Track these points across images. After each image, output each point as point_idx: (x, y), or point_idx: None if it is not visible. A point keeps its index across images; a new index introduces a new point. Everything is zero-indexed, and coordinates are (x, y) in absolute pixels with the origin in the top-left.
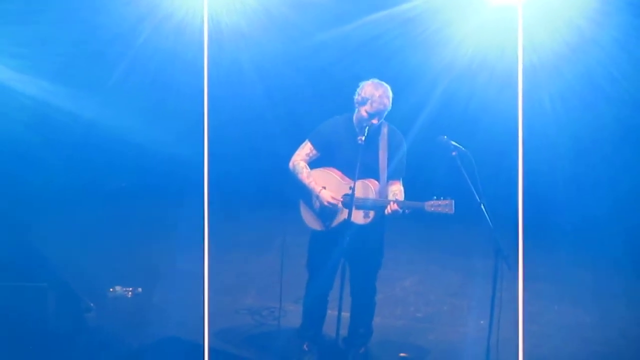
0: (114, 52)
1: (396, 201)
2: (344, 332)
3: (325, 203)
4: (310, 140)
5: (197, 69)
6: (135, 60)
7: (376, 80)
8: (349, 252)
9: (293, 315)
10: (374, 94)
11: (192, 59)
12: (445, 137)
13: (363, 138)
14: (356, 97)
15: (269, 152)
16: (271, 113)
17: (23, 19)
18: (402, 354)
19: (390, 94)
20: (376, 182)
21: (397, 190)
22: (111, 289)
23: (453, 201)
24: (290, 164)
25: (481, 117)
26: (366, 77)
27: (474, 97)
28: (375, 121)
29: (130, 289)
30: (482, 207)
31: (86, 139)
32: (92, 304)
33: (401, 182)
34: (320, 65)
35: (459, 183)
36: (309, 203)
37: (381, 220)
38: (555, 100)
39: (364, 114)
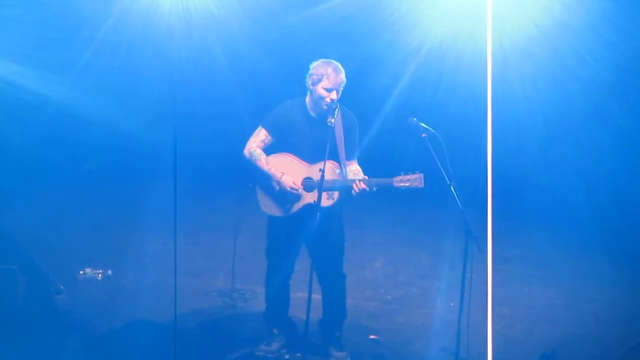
0: (83, 34)
1: (363, 180)
2: (314, 315)
3: (288, 188)
4: (264, 126)
5: (165, 52)
6: (104, 43)
7: (326, 59)
8: (313, 237)
9: (263, 298)
10: (327, 69)
11: (161, 42)
12: (415, 119)
13: (333, 120)
14: (309, 79)
15: (238, 134)
16: (240, 96)
17: None
18: (372, 336)
19: (342, 70)
20: (337, 163)
21: (356, 170)
22: (81, 272)
23: (422, 175)
24: (246, 151)
25: (450, 99)
26: (335, 59)
27: (443, 80)
28: (334, 95)
29: (101, 271)
30: (452, 188)
31: (55, 122)
32: (62, 287)
33: (356, 161)
34: (289, 47)
35: (428, 165)
36: (267, 189)
37: (344, 201)
38: (525, 83)
39: (322, 91)
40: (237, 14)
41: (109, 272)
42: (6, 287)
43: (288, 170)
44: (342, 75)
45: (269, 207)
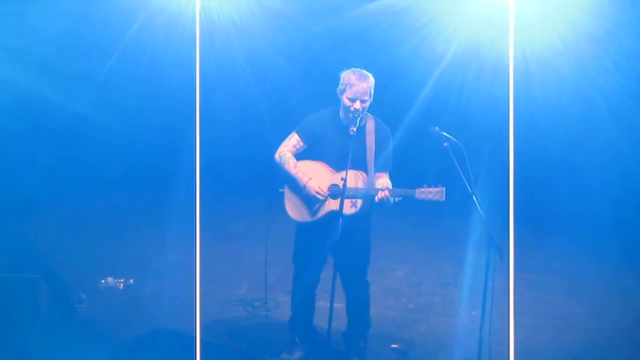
0: (106, 43)
1: (386, 189)
2: (336, 324)
3: (313, 193)
4: (297, 132)
5: (189, 60)
6: (127, 51)
7: (355, 69)
8: (337, 244)
9: (285, 307)
10: (351, 78)
11: (184, 50)
12: (437, 128)
13: (355, 129)
14: (338, 88)
15: (261, 143)
16: (264, 104)
17: (14, 10)
18: (394, 345)
19: (371, 81)
20: (364, 173)
21: (384, 183)
22: (103, 281)
23: (444, 188)
24: (277, 155)
25: (473, 108)
26: (358, 67)
27: (465, 89)
28: (357, 106)
29: (122, 280)
30: (474, 198)
31: (77, 130)
32: (84, 296)
33: (387, 174)
34: (313, 56)
35: (450, 174)
36: (295, 194)
37: (369, 210)
38: (548, 92)
39: (347, 101)
40: (260, 23)
41: (131, 281)
42: (28, 296)
43: (316, 175)
44: (365, 85)
45: (294, 212)
